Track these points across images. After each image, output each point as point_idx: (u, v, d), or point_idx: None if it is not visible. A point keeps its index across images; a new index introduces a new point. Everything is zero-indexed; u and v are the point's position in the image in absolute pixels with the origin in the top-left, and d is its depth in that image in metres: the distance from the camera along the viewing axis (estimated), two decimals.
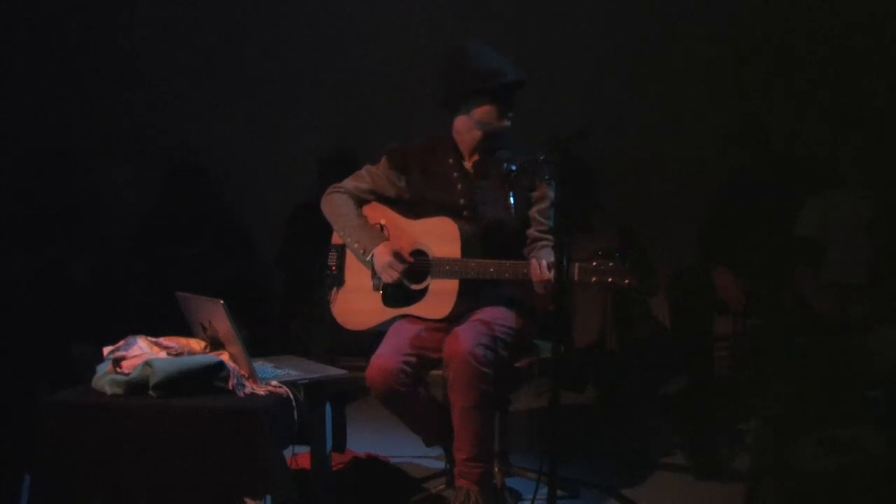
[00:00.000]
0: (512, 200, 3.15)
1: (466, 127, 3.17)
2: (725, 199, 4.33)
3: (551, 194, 3.09)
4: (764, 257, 4.05)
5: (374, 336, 3.38)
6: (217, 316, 2.78)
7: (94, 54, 5.31)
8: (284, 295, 5.06)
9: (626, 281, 2.75)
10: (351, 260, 3.28)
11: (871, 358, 3.23)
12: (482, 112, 3.12)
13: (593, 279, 2.79)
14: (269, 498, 2.61)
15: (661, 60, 5.04)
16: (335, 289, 3.29)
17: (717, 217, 4.31)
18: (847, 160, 3.79)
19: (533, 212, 3.19)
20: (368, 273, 3.22)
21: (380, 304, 3.20)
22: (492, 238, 3.11)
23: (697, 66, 5.02)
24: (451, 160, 3.22)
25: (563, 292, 2.65)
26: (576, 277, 2.82)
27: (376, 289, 3.21)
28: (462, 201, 3.18)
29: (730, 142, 4.35)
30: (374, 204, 3.30)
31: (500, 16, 5.13)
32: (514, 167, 3.16)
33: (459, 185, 3.19)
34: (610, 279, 2.77)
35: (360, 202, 3.29)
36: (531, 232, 3.18)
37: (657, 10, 5.03)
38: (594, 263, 2.79)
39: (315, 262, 3.59)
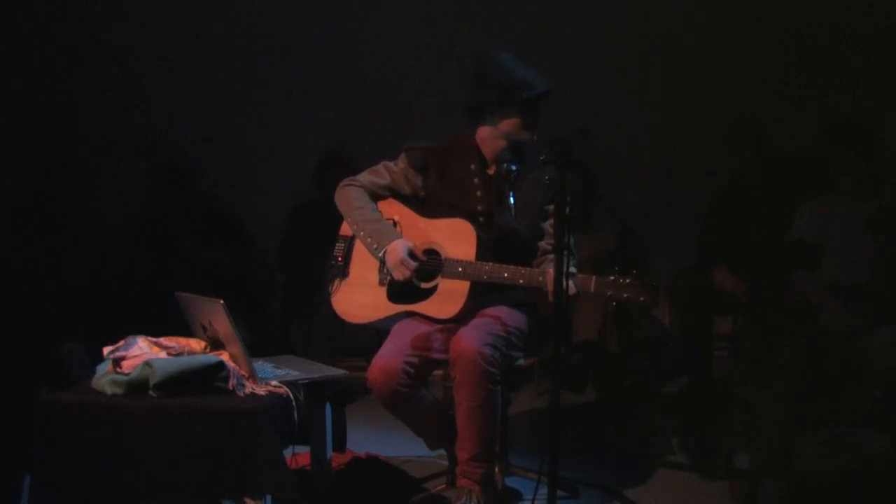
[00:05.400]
0: (512, 201, 3.17)
1: (492, 136, 3.17)
2: (725, 199, 4.33)
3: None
4: (764, 258, 4.05)
5: (375, 336, 3.38)
6: (217, 316, 2.78)
7: (93, 55, 5.30)
8: (284, 295, 5.06)
9: (642, 298, 2.79)
10: (358, 253, 3.27)
11: (872, 358, 3.23)
12: (508, 124, 3.12)
13: (609, 293, 2.83)
14: (269, 498, 2.61)
15: (661, 61, 5.04)
16: (338, 280, 3.28)
17: (717, 217, 4.31)
18: (841, 163, 3.79)
19: (547, 225, 3.20)
20: (375, 267, 3.22)
21: (384, 298, 3.20)
22: (504, 246, 3.11)
23: (697, 67, 5.02)
24: (473, 166, 3.21)
25: (567, 299, 2.66)
26: (592, 289, 2.85)
27: (381, 283, 3.21)
28: (480, 207, 3.17)
29: (729, 143, 4.35)
30: (389, 200, 3.30)
31: (500, 17, 5.12)
32: (514, 168, 3.18)
33: (479, 192, 3.19)
34: (626, 294, 2.80)
35: (375, 197, 3.28)
36: (543, 244, 3.19)
37: (657, 10, 5.03)
38: (611, 278, 2.82)
39: (315, 263, 3.59)
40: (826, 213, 3.66)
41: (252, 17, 5.34)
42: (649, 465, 3.64)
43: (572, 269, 2.86)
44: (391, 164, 3.29)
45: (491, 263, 3.02)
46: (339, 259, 3.29)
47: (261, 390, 2.71)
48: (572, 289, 2.82)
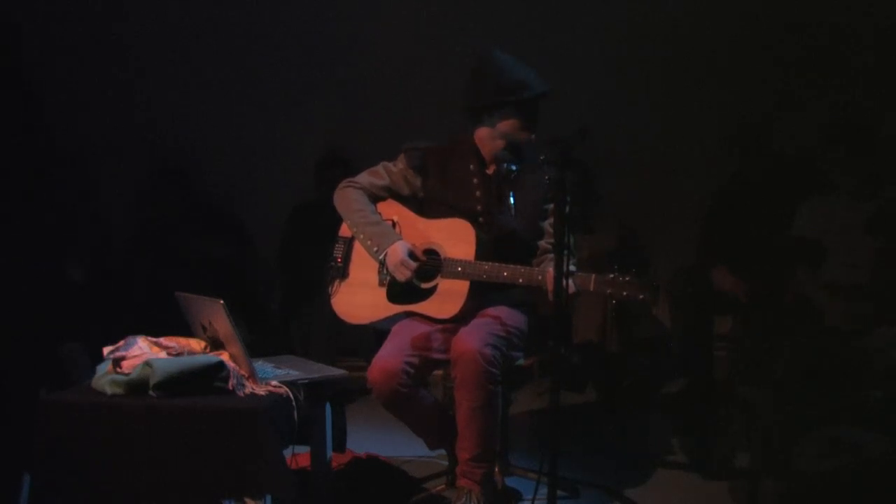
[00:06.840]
0: (512, 201, 3.17)
1: (490, 137, 3.17)
2: (725, 199, 4.34)
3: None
4: (764, 257, 4.06)
5: (375, 336, 3.37)
6: (217, 316, 2.78)
7: (93, 55, 5.30)
8: (284, 295, 5.06)
9: (641, 296, 2.79)
10: (357, 253, 3.28)
11: (872, 358, 3.23)
12: (507, 125, 3.12)
13: (609, 291, 2.83)
14: (269, 498, 2.61)
15: (661, 61, 5.04)
16: (338, 281, 3.29)
17: (717, 217, 4.32)
18: (841, 163, 3.80)
19: (546, 224, 3.20)
20: (374, 267, 3.22)
21: (383, 299, 3.20)
22: (503, 246, 3.11)
23: (697, 67, 5.02)
24: (472, 166, 3.21)
25: (566, 297, 2.66)
26: (591, 287, 2.85)
27: (381, 284, 3.21)
28: (479, 207, 3.17)
29: (729, 143, 4.36)
30: (389, 200, 3.30)
31: (498, 18, 5.12)
32: (514, 167, 3.18)
33: (478, 192, 3.19)
34: (625, 293, 2.80)
35: (374, 198, 3.28)
36: (542, 244, 3.19)
37: (657, 10, 5.03)
38: (611, 276, 2.82)
39: (315, 263, 3.59)
40: (826, 213, 3.66)
41: (252, 17, 5.34)
42: (649, 465, 3.64)
43: (572, 268, 2.86)
44: (390, 164, 3.29)
45: (490, 263, 3.02)
46: (339, 260, 3.30)
47: (261, 390, 2.71)
48: (572, 287, 2.82)
